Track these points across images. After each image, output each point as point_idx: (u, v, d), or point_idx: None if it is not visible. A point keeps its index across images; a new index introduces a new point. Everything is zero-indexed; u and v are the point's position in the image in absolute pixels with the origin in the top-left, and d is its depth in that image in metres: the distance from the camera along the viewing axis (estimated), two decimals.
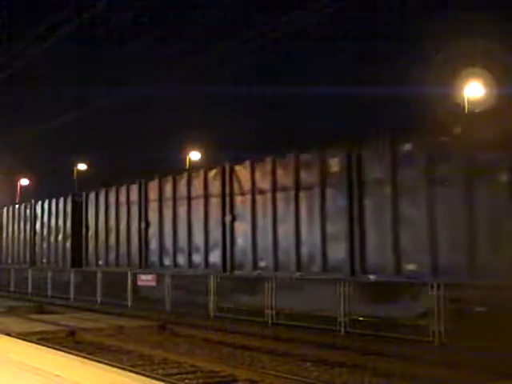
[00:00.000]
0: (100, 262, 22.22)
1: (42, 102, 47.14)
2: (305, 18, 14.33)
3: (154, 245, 19.70)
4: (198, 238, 17.71)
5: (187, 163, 43.17)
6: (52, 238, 25.25)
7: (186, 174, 18.74)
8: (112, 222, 21.73)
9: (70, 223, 24.15)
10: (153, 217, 19.78)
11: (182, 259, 18.40)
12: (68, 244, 24.18)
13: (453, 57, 27.79)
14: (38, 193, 38.42)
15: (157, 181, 19.65)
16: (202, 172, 17.98)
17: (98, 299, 21.25)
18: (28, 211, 27.09)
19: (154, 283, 19.47)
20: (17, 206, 28.90)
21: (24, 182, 54.65)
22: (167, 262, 19.04)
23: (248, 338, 13.19)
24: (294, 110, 54.70)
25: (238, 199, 16.49)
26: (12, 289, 27.78)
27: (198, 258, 17.75)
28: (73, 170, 51.45)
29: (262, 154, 16.33)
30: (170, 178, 19.12)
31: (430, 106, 25.57)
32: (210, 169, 17.84)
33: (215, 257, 17.13)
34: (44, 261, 25.88)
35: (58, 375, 7.18)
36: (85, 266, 23.02)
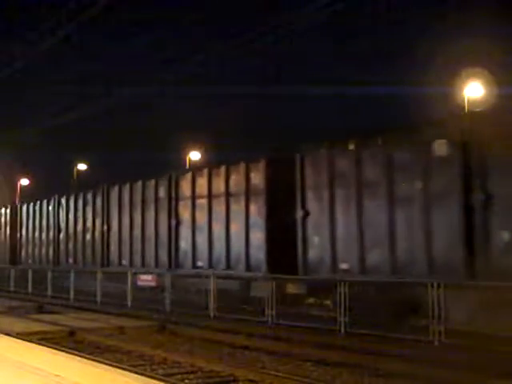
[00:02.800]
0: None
1: (41, 102, 47.08)
2: (305, 18, 14.34)
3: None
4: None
5: (187, 163, 43.15)
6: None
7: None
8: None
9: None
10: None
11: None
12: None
13: (453, 57, 27.80)
14: (37, 193, 38.35)
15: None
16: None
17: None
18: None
19: (153, 283, 19.48)
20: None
21: (24, 181, 54.64)
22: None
23: (248, 338, 13.19)
24: (294, 110, 54.70)
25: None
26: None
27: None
28: (73, 170, 51.44)
29: (260, 154, 16.49)
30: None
31: (430, 106, 25.58)
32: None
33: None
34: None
35: (57, 375, 7.18)
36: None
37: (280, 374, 9.47)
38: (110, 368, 8.22)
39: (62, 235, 25.60)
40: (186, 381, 9.32)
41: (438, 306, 11.69)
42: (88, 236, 23.77)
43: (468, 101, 27.30)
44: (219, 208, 17.48)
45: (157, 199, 20.06)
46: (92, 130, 53.47)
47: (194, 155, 44.47)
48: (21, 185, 54.12)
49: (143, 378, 7.78)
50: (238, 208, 16.92)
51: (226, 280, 16.96)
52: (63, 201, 25.75)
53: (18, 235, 28.79)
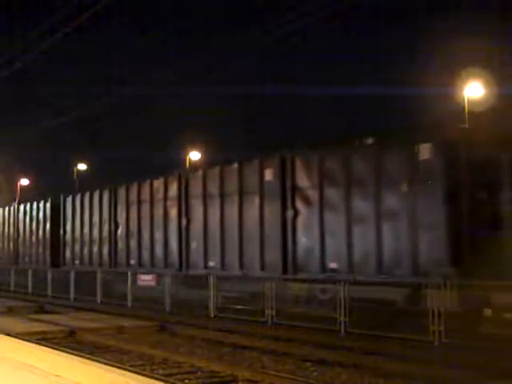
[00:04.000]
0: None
1: (42, 102, 47.13)
2: (305, 18, 14.32)
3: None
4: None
5: (187, 163, 43.17)
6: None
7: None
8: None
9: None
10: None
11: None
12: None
13: (453, 57, 27.81)
14: (37, 193, 38.38)
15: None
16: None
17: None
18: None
19: (153, 283, 19.45)
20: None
21: (24, 181, 54.66)
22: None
23: (248, 338, 13.19)
24: (294, 110, 54.71)
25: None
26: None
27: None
28: (73, 170, 51.48)
29: (261, 154, 16.47)
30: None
31: (429, 105, 25.59)
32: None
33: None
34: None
35: (58, 375, 7.18)
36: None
37: (280, 374, 9.47)
38: (110, 368, 8.22)
39: (120, 231, 21.47)
40: (186, 381, 9.32)
41: (437, 305, 11.67)
42: (158, 233, 19.64)
43: (468, 101, 27.33)
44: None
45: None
46: (92, 130, 53.54)
47: (194, 155, 44.53)
48: (21, 185, 54.19)
49: (143, 378, 7.78)
50: None
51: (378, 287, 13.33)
52: (122, 191, 21.49)
53: (62, 232, 24.89)
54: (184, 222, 18.48)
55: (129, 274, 20.09)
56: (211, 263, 17.43)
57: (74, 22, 15.83)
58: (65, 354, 9.45)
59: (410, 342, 11.52)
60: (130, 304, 19.69)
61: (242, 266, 16.45)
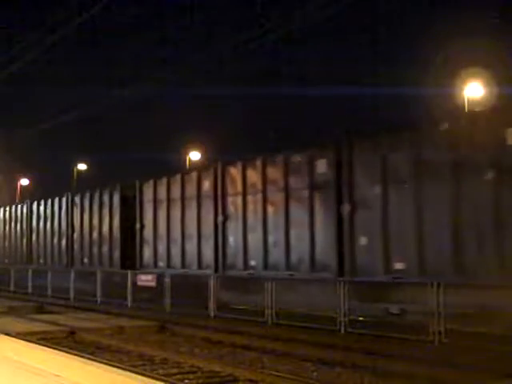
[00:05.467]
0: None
1: (41, 102, 47.14)
2: (305, 18, 14.33)
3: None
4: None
5: (187, 163, 43.17)
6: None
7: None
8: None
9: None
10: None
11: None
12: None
13: (453, 57, 27.80)
14: (37, 193, 38.36)
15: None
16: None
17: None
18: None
19: (153, 283, 19.44)
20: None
21: (24, 181, 54.65)
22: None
23: (248, 338, 13.19)
24: (294, 109, 54.68)
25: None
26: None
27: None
28: (73, 170, 51.47)
29: (260, 154, 16.49)
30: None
31: (429, 105, 25.57)
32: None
33: None
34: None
35: (57, 375, 7.17)
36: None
37: (280, 374, 9.47)
38: (110, 368, 8.21)
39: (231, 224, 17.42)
40: (186, 381, 9.32)
41: (437, 305, 11.66)
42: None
43: (468, 101, 27.32)
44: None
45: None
46: (92, 130, 53.54)
47: (194, 155, 44.53)
48: (21, 185, 54.17)
49: (143, 378, 7.76)
50: None
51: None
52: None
53: (138, 226, 20.95)
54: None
55: (129, 274, 20.09)
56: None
57: (73, 21, 15.84)
58: (65, 354, 9.44)
59: (409, 342, 11.52)
60: (129, 304, 19.70)
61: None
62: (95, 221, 23.11)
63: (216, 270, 17.49)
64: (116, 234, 21.96)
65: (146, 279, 19.75)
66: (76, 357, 9.29)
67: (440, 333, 11.45)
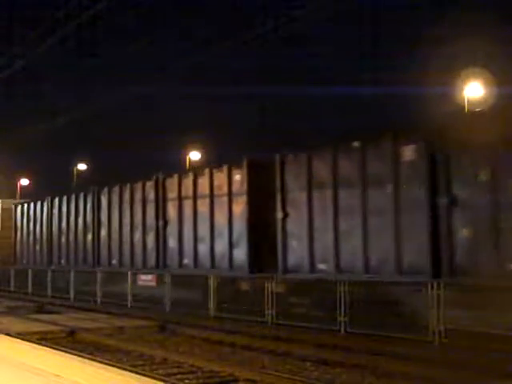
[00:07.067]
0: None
1: (42, 102, 47.14)
2: (305, 18, 14.32)
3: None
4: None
5: (187, 163, 43.18)
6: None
7: None
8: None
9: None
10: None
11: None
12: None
13: (453, 57, 27.81)
14: (38, 193, 38.35)
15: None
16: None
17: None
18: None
19: (153, 283, 19.44)
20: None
21: (24, 181, 54.66)
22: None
23: (248, 338, 13.19)
24: (294, 109, 54.73)
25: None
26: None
27: None
28: (73, 170, 51.49)
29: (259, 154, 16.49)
30: None
31: (429, 105, 25.58)
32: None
33: None
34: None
35: (57, 375, 7.18)
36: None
37: (280, 374, 9.47)
38: (110, 368, 8.22)
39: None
40: (186, 381, 9.32)
41: (437, 305, 11.66)
42: None
43: (468, 101, 27.32)
44: None
45: None
46: (92, 130, 53.55)
47: (194, 155, 44.54)
48: (21, 185, 54.18)
49: (143, 377, 7.77)
50: None
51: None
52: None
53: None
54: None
55: (129, 274, 20.08)
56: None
57: (73, 21, 15.83)
58: (65, 354, 9.44)
59: (409, 342, 11.52)
60: (129, 304, 19.70)
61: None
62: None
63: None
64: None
65: (146, 279, 19.76)
66: (76, 357, 9.30)
67: (440, 333, 11.46)
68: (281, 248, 15.13)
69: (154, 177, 19.59)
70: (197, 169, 19.13)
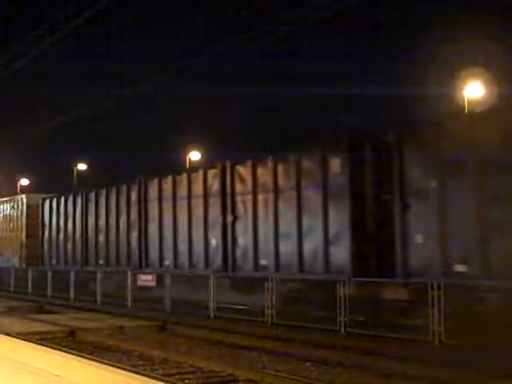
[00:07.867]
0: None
1: (42, 102, 47.14)
2: (305, 17, 14.33)
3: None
4: None
5: (187, 163, 43.17)
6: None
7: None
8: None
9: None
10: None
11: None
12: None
13: (453, 57, 27.80)
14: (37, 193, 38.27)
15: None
16: None
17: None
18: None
19: (153, 283, 19.41)
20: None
21: (24, 181, 54.64)
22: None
23: (248, 338, 13.18)
24: (293, 109, 54.73)
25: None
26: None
27: None
28: (73, 170, 51.47)
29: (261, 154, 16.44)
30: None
31: (429, 105, 25.58)
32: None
33: None
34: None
35: (57, 375, 7.18)
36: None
37: (280, 374, 9.47)
38: (110, 368, 8.21)
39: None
40: (186, 381, 9.32)
41: (438, 305, 11.65)
42: None
43: (468, 101, 27.32)
44: None
45: None
46: (92, 130, 53.55)
47: (194, 155, 44.53)
48: (21, 185, 54.16)
49: (143, 377, 7.77)
50: None
51: None
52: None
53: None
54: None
55: (129, 274, 20.04)
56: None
57: (72, 22, 15.84)
58: (65, 354, 9.44)
59: (409, 342, 11.51)
60: (129, 304, 19.68)
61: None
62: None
63: None
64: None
65: (146, 279, 19.72)
66: (76, 357, 9.29)
67: (440, 333, 11.45)
68: None
69: (219, 165, 16.92)
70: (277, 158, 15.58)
